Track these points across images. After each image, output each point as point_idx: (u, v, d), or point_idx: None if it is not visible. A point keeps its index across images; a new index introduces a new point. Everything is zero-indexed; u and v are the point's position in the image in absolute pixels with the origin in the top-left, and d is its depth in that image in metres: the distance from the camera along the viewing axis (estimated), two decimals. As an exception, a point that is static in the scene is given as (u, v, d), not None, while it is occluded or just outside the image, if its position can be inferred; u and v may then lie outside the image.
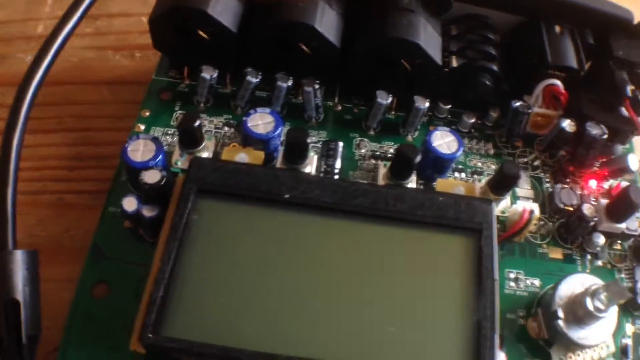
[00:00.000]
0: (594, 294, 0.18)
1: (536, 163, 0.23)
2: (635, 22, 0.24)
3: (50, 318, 0.18)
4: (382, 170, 0.20)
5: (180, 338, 0.15)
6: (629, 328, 0.21)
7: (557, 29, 0.24)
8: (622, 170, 0.23)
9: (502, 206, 0.21)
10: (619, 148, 0.24)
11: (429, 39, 0.20)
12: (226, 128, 0.22)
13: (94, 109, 0.26)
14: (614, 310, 0.19)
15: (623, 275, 0.22)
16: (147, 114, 0.22)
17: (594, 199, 0.22)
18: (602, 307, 0.18)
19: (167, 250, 0.16)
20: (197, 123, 0.18)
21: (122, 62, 0.28)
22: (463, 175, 0.22)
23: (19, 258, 0.17)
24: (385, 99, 0.21)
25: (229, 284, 0.16)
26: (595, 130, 0.22)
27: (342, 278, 0.16)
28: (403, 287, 0.17)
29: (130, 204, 0.18)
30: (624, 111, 0.23)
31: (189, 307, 0.15)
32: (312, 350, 0.15)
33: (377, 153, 0.22)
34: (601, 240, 0.21)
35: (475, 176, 0.22)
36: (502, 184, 0.19)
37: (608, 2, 0.24)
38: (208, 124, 0.22)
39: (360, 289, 0.16)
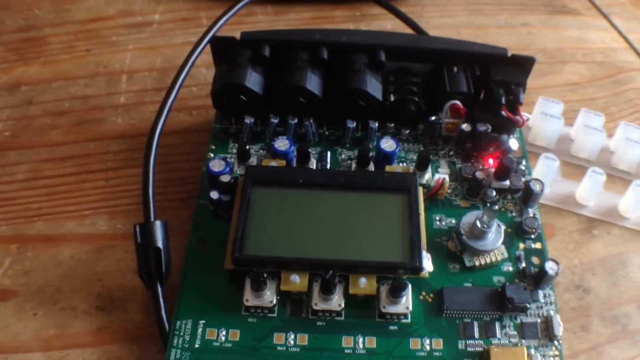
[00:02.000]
0: (480, 217, 0.31)
1: (451, 153, 0.36)
2: (509, 55, 0.35)
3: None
4: (354, 166, 0.34)
5: (253, 254, 0.29)
6: (521, 245, 0.32)
7: (455, 69, 0.35)
8: (507, 150, 0.35)
9: (426, 178, 0.34)
10: (505, 137, 0.35)
11: (373, 86, 0.34)
12: (261, 151, 0.35)
13: (172, 149, 0.38)
14: (498, 228, 0.31)
15: (515, 214, 0.34)
16: (213, 147, 0.36)
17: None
18: (485, 224, 0.31)
19: (240, 212, 0.30)
20: (247, 147, 0.32)
21: (184, 119, 0.40)
22: (404, 164, 0.35)
23: (158, 224, 0.30)
24: (352, 124, 0.35)
25: (273, 223, 0.30)
26: (482, 127, 0.35)
27: (334, 216, 0.30)
28: (368, 220, 0.30)
29: (214, 194, 0.31)
30: (504, 113, 0.35)
31: (255, 237, 0.29)
32: (324, 253, 0.29)
33: (350, 157, 0.35)
34: (493, 193, 0.34)
35: (411, 164, 0.35)
36: (421, 163, 0.32)
37: (489, 45, 0.36)
38: (250, 149, 0.35)
39: (345, 222, 0.30)
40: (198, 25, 0.48)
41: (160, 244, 0.29)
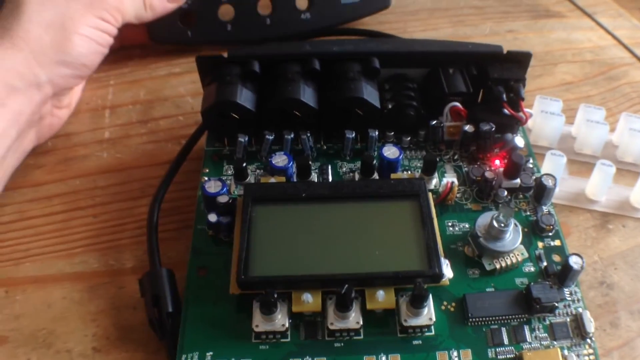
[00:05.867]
0: (496, 216, 0.29)
1: (455, 157, 0.35)
2: (505, 52, 0.34)
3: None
4: (357, 177, 0.32)
5: (260, 275, 0.26)
6: (540, 244, 0.31)
7: (451, 70, 0.34)
8: (513, 148, 0.33)
9: (433, 183, 0.32)
10: (510, 135, 0.34)
11: (369, 93, 0.32)
12: (258, 171, 0.33)
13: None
14: (516, 227, 0.29)
15: (529, 213, 0.32)
16: (207, 170, 0.34)
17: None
18: (502, 223, 0.29)
19: (242, 232, 0.28)
20: (244, 164, 0.30)
21: (173, 148, 0.39)
22: (409, 172, 0.33)
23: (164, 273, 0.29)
24: (351, 134, 0.33)
25: (278, 241, 0.28)
26: (486, 127, 0.33)
27: (343, 229, 0.28)
28: (379, 230, 0.28)
29: (212, 217, 0.29)
30: (506, 111, 0.34)
31: (260, 257, 0.27)
32: (337, 268, 0.27)
33: (352, 169, 0.34)
34: (504, 193, 0.32)
35: (416, 171, 0.33)
36: (427, 167, 0.31)
37: (483, 44, 0.35)
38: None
39: (355, 235, 0.28)
40: (180, 57, 0.46)
41: (159, 290, 0.28)
